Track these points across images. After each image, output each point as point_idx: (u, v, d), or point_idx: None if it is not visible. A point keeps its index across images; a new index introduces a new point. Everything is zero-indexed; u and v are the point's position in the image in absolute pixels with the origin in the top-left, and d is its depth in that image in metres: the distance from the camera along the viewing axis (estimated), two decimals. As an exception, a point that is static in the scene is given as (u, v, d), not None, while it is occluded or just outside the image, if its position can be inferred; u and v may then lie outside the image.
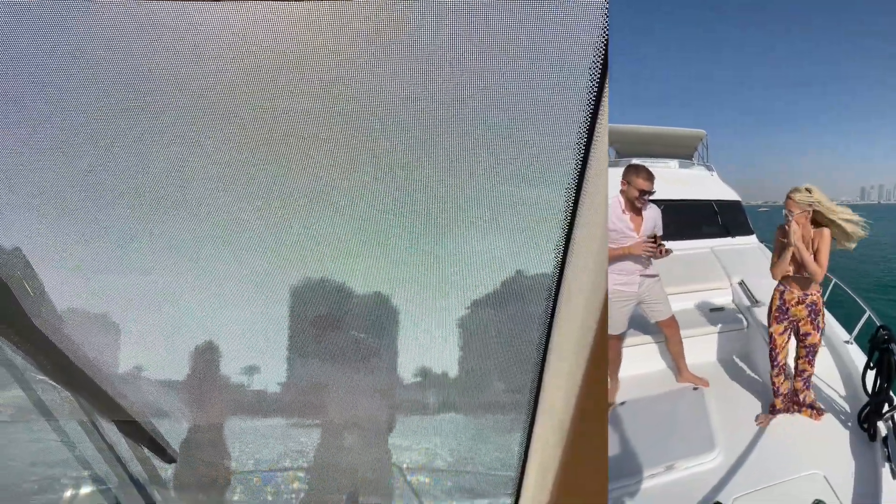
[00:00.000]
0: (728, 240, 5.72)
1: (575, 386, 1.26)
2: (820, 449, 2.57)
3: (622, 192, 2.95)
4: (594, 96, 1.11)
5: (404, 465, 2.02)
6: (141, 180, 1.32)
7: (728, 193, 6.41)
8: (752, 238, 5.90)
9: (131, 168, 1.31)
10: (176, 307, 1.54)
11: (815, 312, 2.78)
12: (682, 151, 7.44)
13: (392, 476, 2.05)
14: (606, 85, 1.09)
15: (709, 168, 7.18)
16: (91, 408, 1.66)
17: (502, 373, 1.65)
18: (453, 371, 1.65)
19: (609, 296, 3.04)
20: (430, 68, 1.12)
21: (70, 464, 1.84)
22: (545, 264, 1.36)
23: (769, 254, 5.57)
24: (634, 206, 2.95)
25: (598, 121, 1.13)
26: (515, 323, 1.50)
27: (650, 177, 2.92)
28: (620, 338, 3.14)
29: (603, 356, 1.18)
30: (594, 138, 1.14)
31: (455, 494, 2.00)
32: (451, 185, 1.29)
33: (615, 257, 3.01)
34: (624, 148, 7.57)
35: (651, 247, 2.93)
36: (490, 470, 1.79)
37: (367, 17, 1.09)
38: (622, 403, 3.13)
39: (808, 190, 2.68)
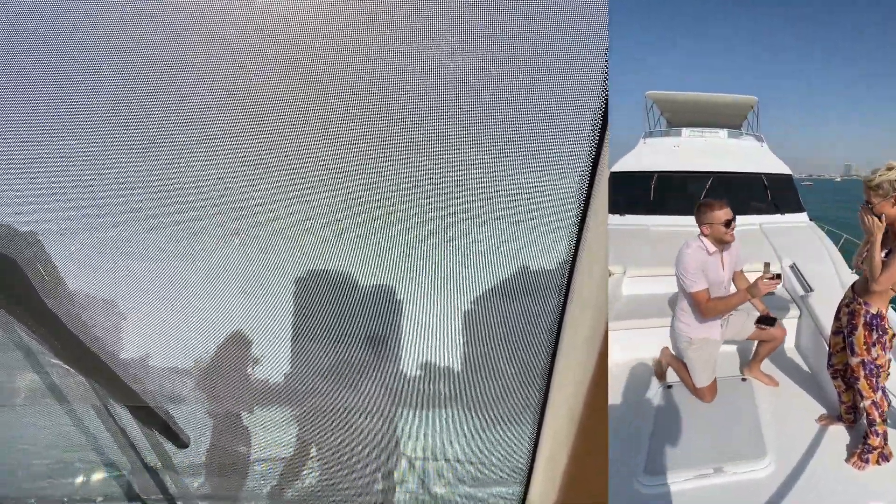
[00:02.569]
0: (777, 217, 5.36)
1: (586, 376, 1.26)
2: (888, 475, 2.22)
3: (706, 236, 2.57)
4: (602, 84, 1.12)
5: (413, 455, 2.03)
6: (157, 165, 1.33)
7: (779, 167, 6.06)
8: (804, 216, 5.51)
9: (148, 153, 1.31)
10: (188, 293, 1.55)
11: (852, 326, 2.24)
12: (732, 120, 7.08)
13: (401, 465, 2.06)
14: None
15: (759, 139, 6.80)
16: (104, 392, 1.67)
17: (513, 363, 1.65)
18: (464, 362, 1.65)
19: (701, 349, 2.68)
20: (441, 59, 1.12)
21: (83, 448, 1.85)
22: (557, 254, 1.36)
23: (822, 234, 4.92)
24: (722, 243, 2.59)
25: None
26: (527, 314, 1.49)
27: (724, 203, 2.57)
28: (714, 383, 2.79)
29: (606, 349, 1.21)
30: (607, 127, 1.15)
31: (465, 484, 2.00)
32: (462, 176, 1.29)
33: (732, 306, 2.64)
34: (674, 117, 7.30)
35: (775, 284, 2.48)
36: (500, 460, 1.79)
37: (378, 11, 1.09)
38: (670, 386, 2.92)
39: (890, 168, 2.07)
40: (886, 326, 2.20)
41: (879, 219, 2.10)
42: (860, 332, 2.21)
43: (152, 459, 1.88)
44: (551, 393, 1.49)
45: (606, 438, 1.31)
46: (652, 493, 2.15)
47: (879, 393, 2.24)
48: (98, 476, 2.03)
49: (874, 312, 2.19)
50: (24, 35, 1.19)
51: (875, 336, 2.20)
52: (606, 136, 1.14)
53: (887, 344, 2.20)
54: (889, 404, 2.32)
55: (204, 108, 1.25)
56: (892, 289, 2.16)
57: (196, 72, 1.21)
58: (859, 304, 2.21)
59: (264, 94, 1.22)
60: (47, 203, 1.35)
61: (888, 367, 2.25)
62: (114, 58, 1.21)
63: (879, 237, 2.10)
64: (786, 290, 3.60)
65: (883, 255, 2.13)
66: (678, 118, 7.18)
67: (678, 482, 2.18)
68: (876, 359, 2.21)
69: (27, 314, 1.33)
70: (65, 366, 1.59)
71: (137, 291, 1.55)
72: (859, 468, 2.25)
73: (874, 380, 2.23)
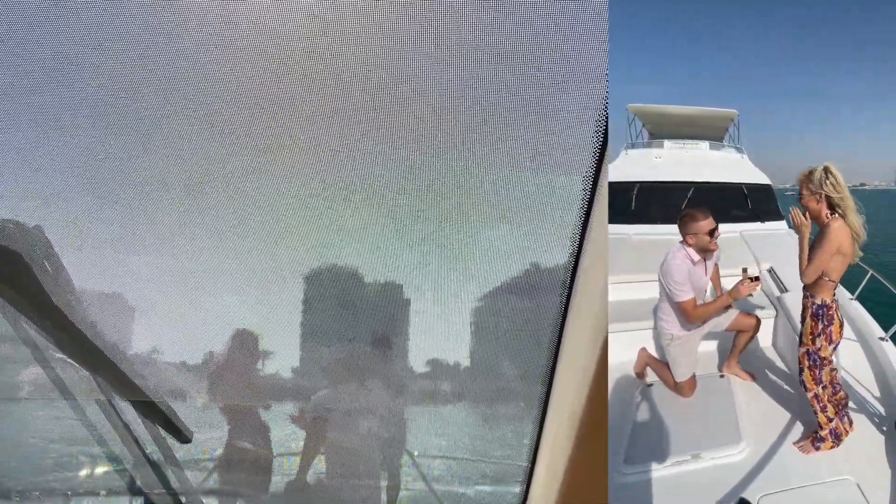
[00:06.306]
0: (757, 225, 5.61)
1: (587, 377, 1.26)
2: (853, 453, 2.38)
3: (691, 245, 2.67)
4: (603, 98, 1.13)
5: (416, 452, 2.03)
6: (161, 160, 1.33)
7: (758, 177, 6.32)
8: (782, 224, 5.73)
9: (152, 147, 1.32)
10: (194, 288, 1.56)
11: (803, 318, 2.34)
12: (713, 133, 7.28)
13: (404, 462, 2.06)
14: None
15: (739, 150, 7.06)
16: (108, 387, 1.68)
17: (516, 362, 1.65)
18: (467, 360, 1.66)
19: (683, 344, 2.80)
20: (444, 59, 1.12)
21: (87, 442, 1.86)
22: (561, 254, 1.36)
23: None
24: (706, 251, 2.71)
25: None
26: (531, 312, 1.49)
27: (707, 213, 2.66)
28: (694, 379, 2.92)
29: (606, 349, 1.21)
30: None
31: (466, 482, 2.01)
32: (466, 175, 1.29)
33: (717, 311, 2.77)
34: (655, 129, 7.44)
35: (755, 286, 2.61)
36: (502, 458, 1.79)
37: (383, 10, 1.10)
38: (650, 385, 3.04)
39: (824, 170, 2.19)
40: (833, 316, 2.26)
41: (804, 214, 2.23)
42: (808, 322, 2.30)
43: (156, 454, 1.89)
44: (553, 392, 1.49)
45: (606, 438, 1.32)
46: (631, 482, 2.22)
47: (820, 387, 2.32)
48: (102, 470, 2.04)
49: (819, 303, 2.26)
50: (26, 29, 1.20)
51: (821, 326, 2.27)
52: (607, 147, 1.15)
53: (833, 336, 2.26)
54: (839, 389, 2.42)
55: (210, 103, 1.25)
56: (829, 280, 2.23)
57: (200, 68, 1.21)
58: (807, 297, 2.30)
59: (269, 94, 1.22)
60: (52, 197, 1.36)
61: (830, 360, 2.33)
62: (115, 54, 1.21)
63: (806, 233, 2.23)
64: (763, 291, 3.77)
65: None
66: (660, 130, 7.32)
67: (657, 469, 2.27)
68: (819, 349, 2.28)
69: (32, 308, 1.33)
70: (69, 360, 1.60)
71: (142, 286, 1.56)
72: (806, 452, 2.36)
73: (817, 371, 2.30)
